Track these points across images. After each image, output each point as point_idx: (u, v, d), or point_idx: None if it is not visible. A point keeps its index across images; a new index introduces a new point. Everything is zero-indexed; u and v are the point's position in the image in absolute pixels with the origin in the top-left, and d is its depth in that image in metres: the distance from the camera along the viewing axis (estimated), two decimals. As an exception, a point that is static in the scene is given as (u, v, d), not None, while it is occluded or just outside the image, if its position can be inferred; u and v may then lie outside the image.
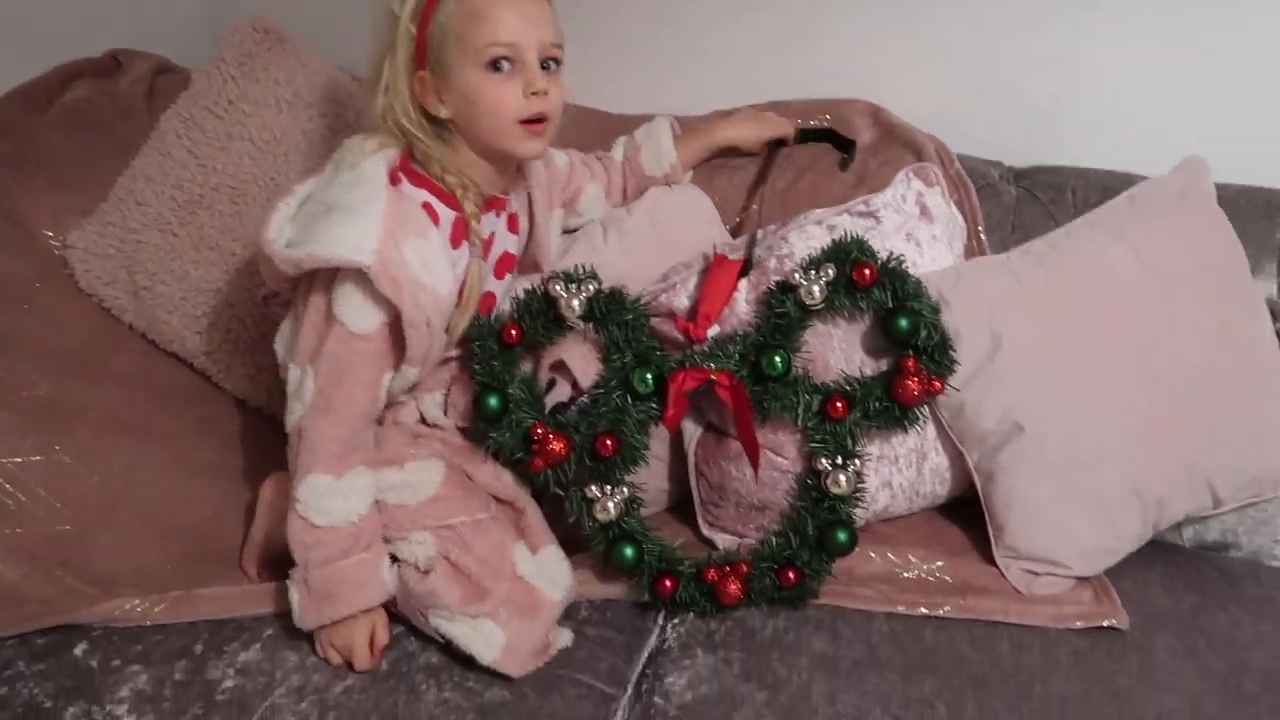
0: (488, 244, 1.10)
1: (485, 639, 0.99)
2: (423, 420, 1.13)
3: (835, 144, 1.36)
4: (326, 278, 0.98)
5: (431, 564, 1.01)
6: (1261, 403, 1.12)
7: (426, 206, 1.02)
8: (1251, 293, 1.17)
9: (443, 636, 1.01)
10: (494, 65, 1.00)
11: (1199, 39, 1.29)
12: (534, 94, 1.01)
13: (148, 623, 1.02)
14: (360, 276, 0.95)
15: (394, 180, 1.01)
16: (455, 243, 1.05)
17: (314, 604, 1.00)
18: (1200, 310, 1.12)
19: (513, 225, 1.15)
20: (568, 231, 1.29)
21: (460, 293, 1.06)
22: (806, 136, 1.36)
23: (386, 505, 1.04)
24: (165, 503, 1.19)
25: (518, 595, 1.02)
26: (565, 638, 1.05)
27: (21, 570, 1.05)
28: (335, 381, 0.99)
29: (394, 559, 1.04)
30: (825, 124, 1.37)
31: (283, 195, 1.06)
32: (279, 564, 1.13)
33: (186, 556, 1.15)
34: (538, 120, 1.02)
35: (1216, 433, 1.11)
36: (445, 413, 1.13)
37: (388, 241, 0.95)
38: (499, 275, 1.14)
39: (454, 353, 1.12)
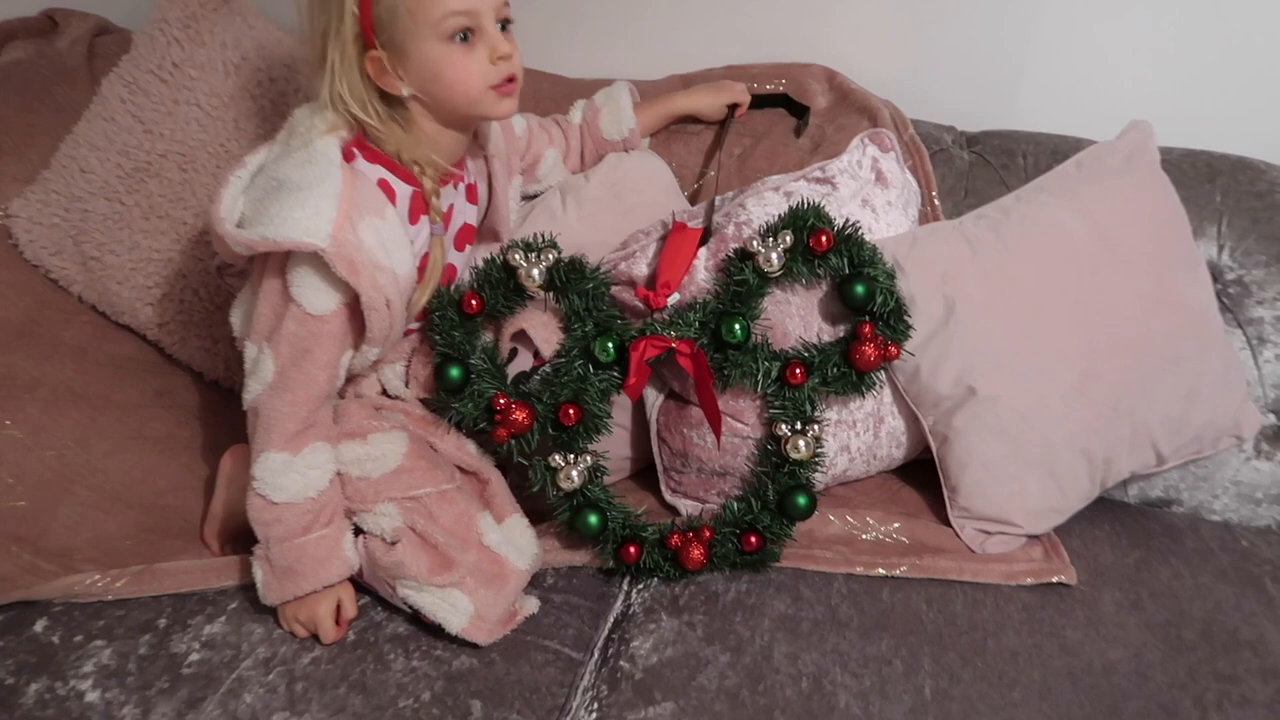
0: (447, 217, 1.09)
1: (453, 607, 0.99)
2: (384, 392, 1.13)
3: (790, 110, 1.36)
4: (281, 258, 0.97)
5: (398, 535, 1.02)
6: (1201, 362, 1.15)
7: (382, 184, 1.01)
8: (1193, 255, 1.20)
9: (410, 606, 1.01)
10: (455, 36, 0.97)
11: (1148, 4, 1.31)
12: (500, 59, 0.99)
13: (109, 597, 1.02)
14: (316, 259, 0.94)
15: (348, 157, 0.99)
16: (413, 218, 1.04)
17: (277, 580, 1.00)
18: (1145, 272, 1.15)
19: (471, 195, 1.14)
20: (527, 198, 1.28)
21: (421, 270, 1.05)
22: (761, 102, 1.36)
23: (350, 478, 1.04)
24: (123, 476, 1.18)
25: (484, 564, 1.03)
26: (532, 605, 1.06)
27: (-24, 548, 1.04)
28: (294, 360, 0.98)
29: (359, 531, 1.04)
30: (780, 89, 1.37)
31: (234, 166, 1.03)
32: (241, 537, 1.13)
33: (147, 530, 1.14)
34: (509, 81, 1.01)
35: (1159, 392, 1.14)
36: (407, 384, 1.13)
37: (343, 223, 0.94)
38: (459, 247, 1.13)
39: (414, 325, 1.11)
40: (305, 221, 0.93)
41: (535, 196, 1.29)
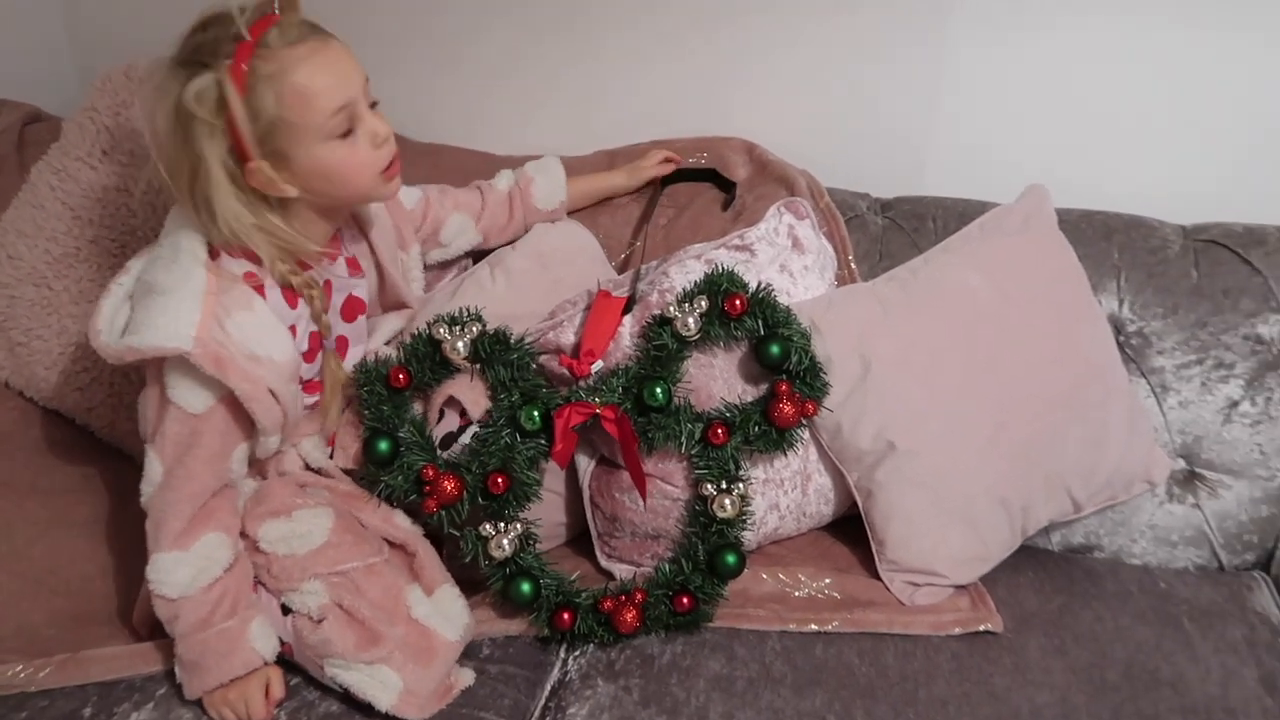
0: (327, 288, 1.10)
1: (381, 684, 0.99)
2: (307, 466, 1.13)
3: (718, 184, 1.41)
4: (158, 363, 0.98)
5: (324, 612, 1.01)
6: (1106, 411, 1.20)
7: (249, 276, 1.01)
8: (1093, 309, 1.25)
9: (339, 685, 1.00)
10: (340, 134, 0.98)
11: (1043, 73, 1.39)
12: (382, 144, 1.01)
13: (33, 689, 1.00)
14: (185, 361, 0.95)
15: (214, 255, 1.00)
16: (292, 302, 1.05)
17: (187, 674, 1.00)
18: (1048, 327, 1.20)
19: (353, 268, 1.15)
20: (440, 266, 1.31)
21: (312, 353, 1.07)
22: (688, 176, 1.41)
23: (276, 557, 1.04)
24: (48, 563, 1.17)
25: (412, 638, 1.02)
26: (467, 677, 1.06)
27: (-108, 641, 1.02)
28: (177, 459, 0.99)
29: (287, 610, 1.03)
30: (703, 162, 1.43)
31: (118, 273, 1.06)
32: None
33: (72, 617, 1.12)
34: (392, 163, 1.04)
35: (1069, 441, 1.18)
36: (331, 455, 1.14)
37: (207, 323, 0.95)
38: (348, 319, 1.15)
39: (310, 400, 1.11)
40: (167, 327, 0.94)
41: (450, 263, 1.32)
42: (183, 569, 0.99)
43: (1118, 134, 1.41)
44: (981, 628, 1.13)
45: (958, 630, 1.13)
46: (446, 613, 1.07)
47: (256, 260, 1.01)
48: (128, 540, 1.22)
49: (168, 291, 0.96)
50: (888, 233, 1.37)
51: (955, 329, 1.18)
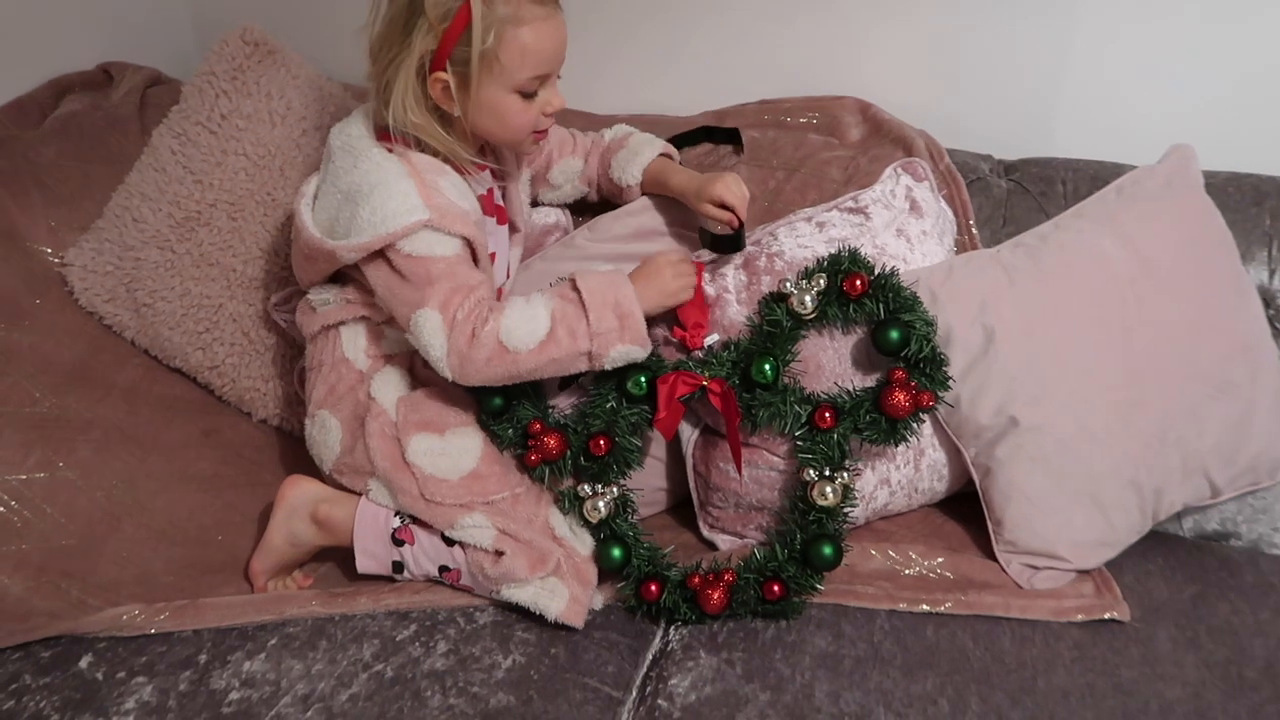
0: (488, 200, 1.14)
1: (551, 594, 1.05)
2: None
3: (720, 139, 1.35)
4: (385, 250, 1.04)
5: (499, 544, 1.06)
6: (1253, 390, 1.12)
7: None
8: (1241, 280, 1.17)
9: (514, 601, 1.06)
10: (527, 93, 1.04)
11: (1186, 27, 1.29)
12: (550, 114, 1.07)
13: (151, 630, 1.03)
14: (425, 225, 1.02)
15: (389, 149, 1.07)
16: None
17: (628, 323, 1.04)
18: (1190, 298, 1.12)
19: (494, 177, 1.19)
20: (545, 204, 1.32)
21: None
22: (684, 141, 1.35)
23: (423, 474, 1.08)
24: (169, 514, 1.21)
25: (566, 554, 1.08)
26: (598, 600, 1.10)
27: (27, 584, 1.07)
28: (450, 292, 1.03)
29: (450, 542, 1.08)
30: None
31: (296, 198, 1.13)
32: (289, 570, 1.16)
33: (190, 565, 1.16)
34: (546, 130, 1.10)
35: (1209, 421, 1.11)
36: None
37: (426, 191, 1.03)
38: (500, 222, 1.19)
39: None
40: (400, 207, 1.02)
41: (551, 227, 1.31)
42: (526, 323, 1.03)
43: (1267, 90, 1.30)
44: (1106, 615, 1.07)
45: (1080, 617, 1.07)
46: (576, 532, 1.11)
47: (420, 147, 1.08)
48: (245, 494, 1.27)
49: (377, 184, 1.04)
50: (1012, 196, 1.30)
51: (1088, 299, 1.11)
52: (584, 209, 1.35)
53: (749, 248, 1.16)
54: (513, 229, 1.23)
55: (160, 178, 1.34)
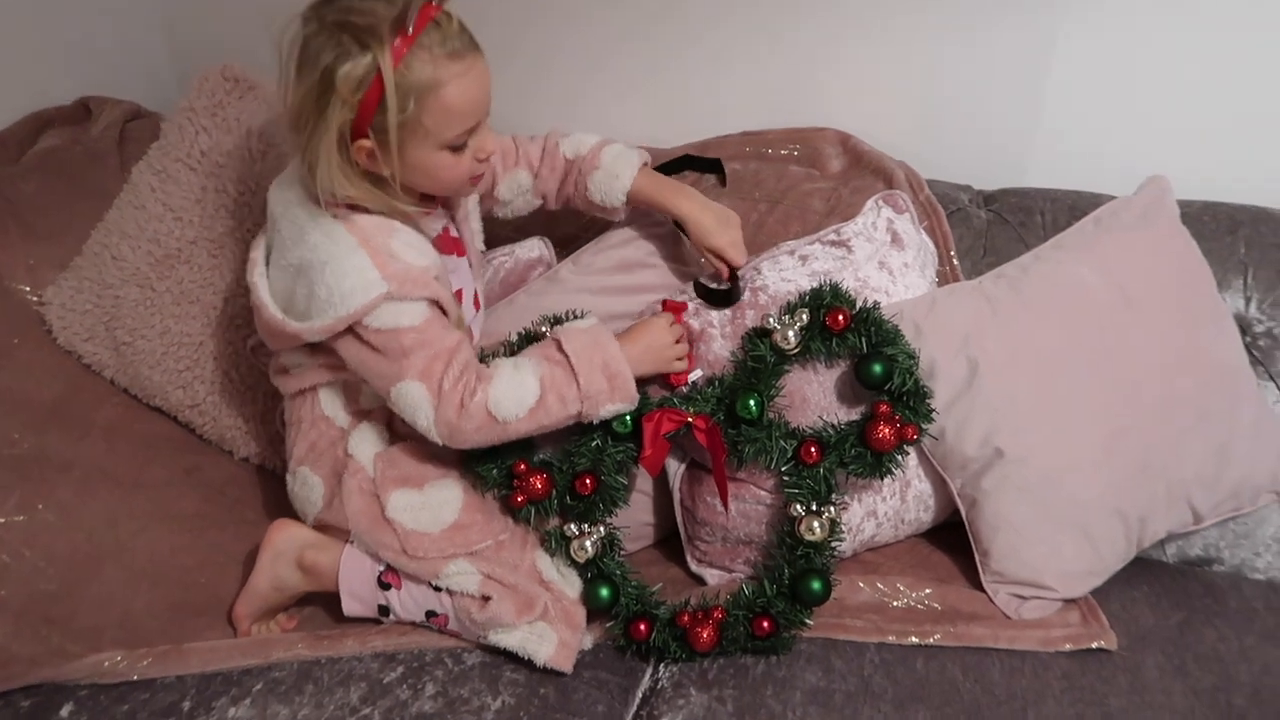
0: (445, 240, 1.12)
1: (539, 639, 1.04)
2: None
3: (702, 168, 1.35)
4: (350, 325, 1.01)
5: (485, 589, 1.05)
6: (1233, 417, 1.13)
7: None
8: (1218, 308, 1.18)
9: (501, 647, 1.05)
10: (456, 146, 1.00)
11: (1159, 59, 1.31)
12: (483, 159, 1.03)
13: (134, 676, 1.02)
14: (388, 297, 0.99)
15: (336, 214, 1.02)
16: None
17: (616, 382, 1.03)
18: (1170, 327, 1.13)
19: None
20: (494, 218, 1.27)
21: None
22: (667, 170, 1.32)
23: (405, 530, 1.06)
24: (151, 554, 1.19)
25: (553, 597, 1.08)
26: (588, 641, 1.09)
27: (6, 630, 1.05)
28: (429, 360, 1.01)
29: (436, 587, 1.07)
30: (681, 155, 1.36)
31: (250, 267, 1.09)
32: (274, 614, 1.15)
33: (173, 607, 1.14)
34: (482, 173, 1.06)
35: (1192, 448, 1.12)
36: None
37: (380, 259, 0.99)
38: (460, 254, 1.16)
39: None
40: (356, 285, 0.98)
41: (535, 261, 1.30)
42: (514, 391, 1.02)
43: (1238, 120, 1.32)
44: (1094, 645, 1.08)
45: (1068, 647, 1.08)
46: (564, 574, 1.11)
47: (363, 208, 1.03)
48: (229, 533, 1.25)
49: (328, 260, 0.99)
50: (992, 227, 1.31)
51: (1069, 329, 1.12)
52: (568, 240, 1.35)
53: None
54: (471, 259, 1.20)
55: (140, 215, 1.33)
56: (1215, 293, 1.18)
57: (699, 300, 1.17)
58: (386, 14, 0.93)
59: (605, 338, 1.05)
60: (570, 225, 1.36)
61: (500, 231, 1.32)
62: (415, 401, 1.02)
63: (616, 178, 1.19)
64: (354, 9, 0.94)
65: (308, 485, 1.12)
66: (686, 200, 1.18)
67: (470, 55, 0.97)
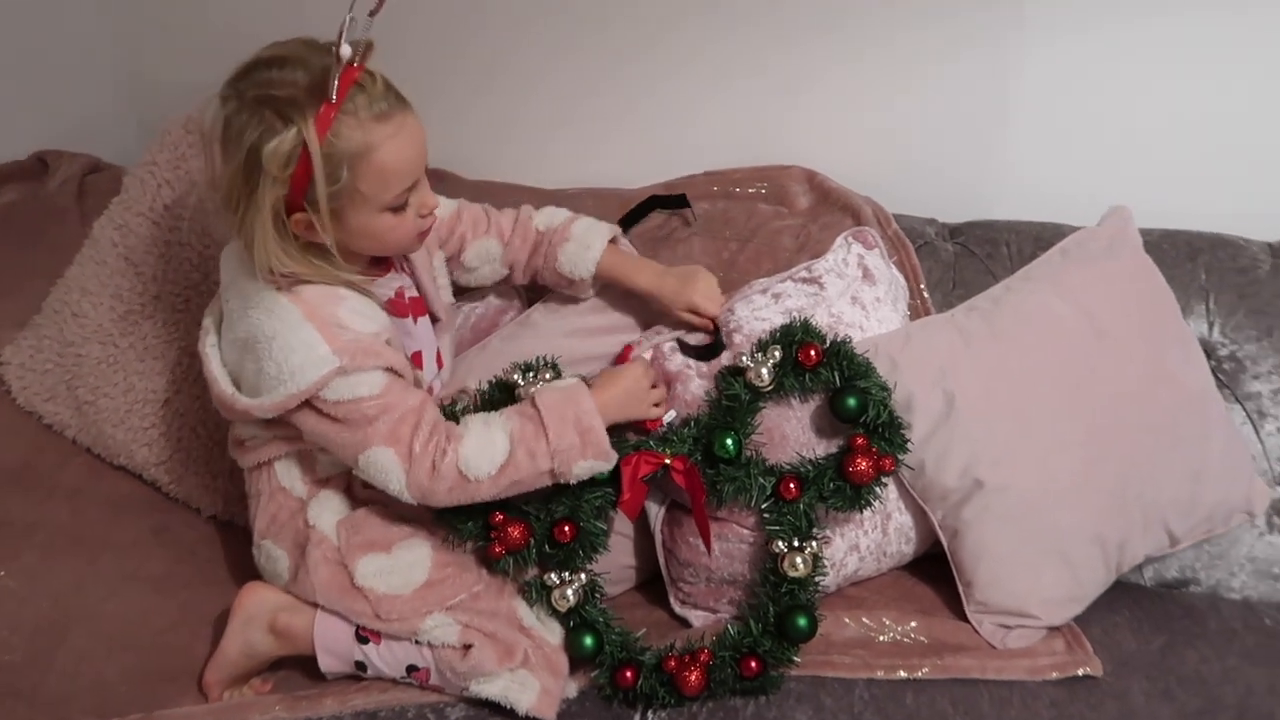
0: (400, 300, 1.11)
1: (522, 687, 1.02)
2: None
3: (670, 206, 1.36)
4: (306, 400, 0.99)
5: (466, 638, 1.03)
6: (1205, 440, 1.15)
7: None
8: (1185, 333, 1.21)
9: (483, 697, 1.03)
10: (396, 207, 0.99)
11: (1117, 94, 1.35)
12: (426, 214, 1.02)
13: (106, 752, 0.99)
14: (341, 371, 0.97)
15: (281, 288, 1.00)
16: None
17: (588, 443, 1.01)
18: (1139, 354, 1.15)
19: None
20: (464, 289, 1.26)
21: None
22: (635, 215, 1.34)
23: (377, 595, 1.04)
24: (120, 618, 1.16)
25: (534, 644, 1.06)
26: (571, 688, 1.07)
27: (-33, 706, 1.02)
28: (395, 425, 0.99)
29: (416, 641, 1.05)
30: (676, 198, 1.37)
31: (202, 335, 1.07)
32: (246, 679, 1.11)
33: (145, 673, 1.11)
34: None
35: (1166, 473, 1.13)
36: None
37: (328, 332, 0.97)
38: (417, 314, 1.15)
39: None
40: (305, 361, 0.96)
41: (506, 307, 1.29)
42: (485, 454, 1.00)
43: (1194, 150, 1.36)
44: (1080, 672, 1.08)
45: (1055, 675, 1.08)
46: (545, 621, 1.09)
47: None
48: (200, 593, 1.22)
49: (273, 336, 0.97)
50: (960, 259, 1.33)
51: (1043, 359, 1.14)
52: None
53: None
54: (434, 318, 1.18)
55: (101, 270, 1.31)
56: (1181, 319, 1.21)
57: (685, 357, 1.17)
58: (306, 83, 0.91)
59: (580, 393, 1.04)
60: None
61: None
62: (385, 467, 0.99)
63: (588, 249, 1.18)
64: (273, 81, 0.92)
65: (272, 559, 1.09)
66: (644, 275, 1.18)
67: (399, 114, 0.95)
